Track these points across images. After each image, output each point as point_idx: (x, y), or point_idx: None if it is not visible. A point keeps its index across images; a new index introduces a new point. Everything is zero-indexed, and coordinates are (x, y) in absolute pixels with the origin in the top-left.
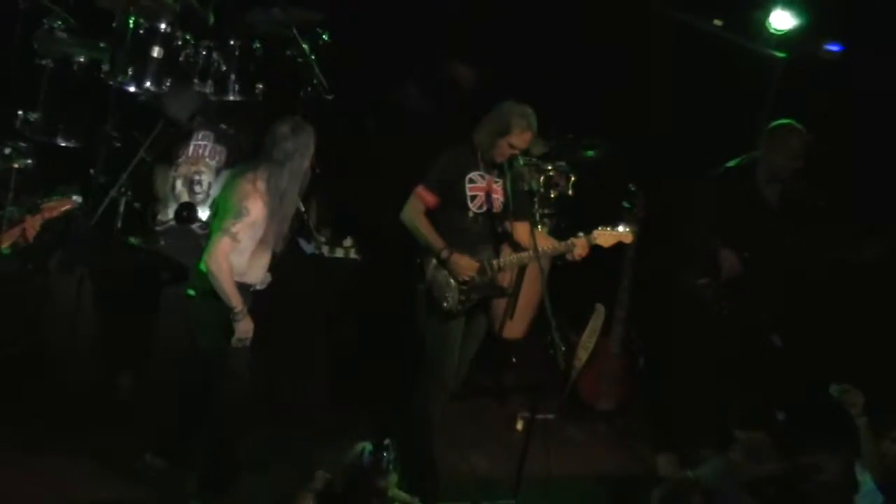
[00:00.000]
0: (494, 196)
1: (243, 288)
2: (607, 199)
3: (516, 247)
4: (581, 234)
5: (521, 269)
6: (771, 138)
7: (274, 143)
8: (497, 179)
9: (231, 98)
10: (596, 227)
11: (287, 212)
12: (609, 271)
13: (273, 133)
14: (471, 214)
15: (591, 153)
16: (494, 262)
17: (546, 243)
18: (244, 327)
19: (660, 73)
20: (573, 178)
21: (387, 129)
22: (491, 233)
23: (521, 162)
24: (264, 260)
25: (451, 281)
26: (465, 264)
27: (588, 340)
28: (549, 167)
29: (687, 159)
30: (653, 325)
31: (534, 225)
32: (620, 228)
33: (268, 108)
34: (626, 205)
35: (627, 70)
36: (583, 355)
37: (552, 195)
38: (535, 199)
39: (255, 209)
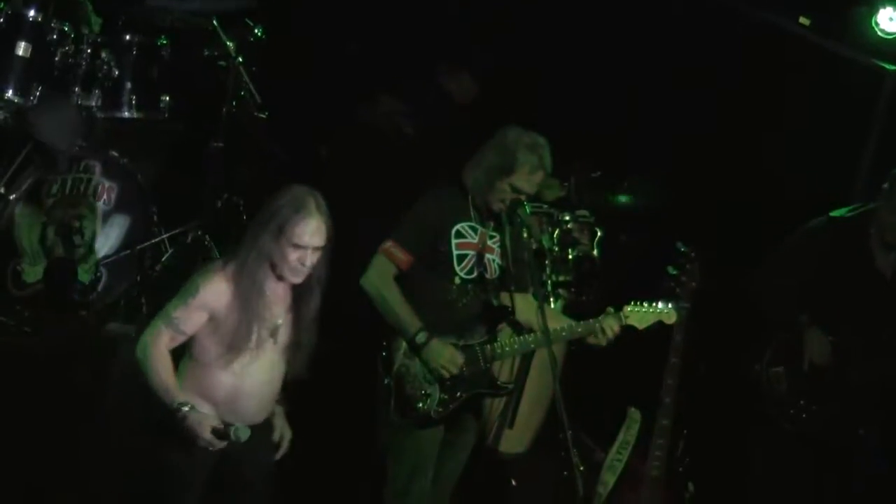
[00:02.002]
0: (489, 257)
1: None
2: (647, 262)
3: (519, 327)
4: (609, 310)
5: (526, 359)
6: (891, 190)
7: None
8: (493, 234)
9: (126, 115)
10: (629, 303)
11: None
12: (648, 363)
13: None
14: (457, 281)
15: (623, 198)
16: (489, 347)
17: (560, 323)
18: (193, 422)
19: (728, 86)
20: (599, 234)
21: (346, 161)
22: (484, 307)
23: (528, 210)
24: (252, 380)
25: (429, 373)
26: (448, 357)
27: (617, 458)
28: (567, 218)
29: (761, 208)
30: (708, 437)
31: (543, 298)
32: (661, 305)
33: (176, 129)
34: (670, 271)
35: (680, 83)
36: (609, 479)
37: (570, 256)
38: (547, 262)
39: (210, 292)
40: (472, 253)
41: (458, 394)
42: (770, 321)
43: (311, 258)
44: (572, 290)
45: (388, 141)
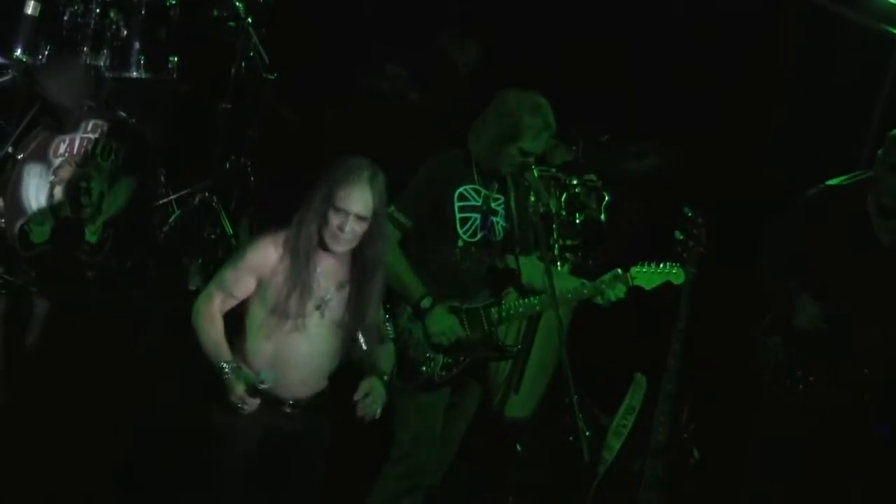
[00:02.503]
0: (493, 219)
1: (266, 399)
2: (654, 226)
3: (524, 290)
4: (617, 271)
5: (532, 323)
6: (886, 155)
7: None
8: (498, 196)
9: (134, 75)
10: (636, 264)
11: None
12: (654, 326)
13: None
14: (461, 244)
15: (639, 164)
16: (493, 310)
17: (567, 285)
18: (230, 380)
19: (735, 52)
20: (606, 198)
21: (353, 124)
22: (489, 270)
23: (535, 174)
24: (293, 351)
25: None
26: (448, 325)
27: (622, 424)
28: (574, 182)
29: (767, 175)
30: (714, 404)
31: (550, 261)
32: (668, 265)
33: (184, 89)
34: (678, 235)
35: (682, 47)
36: (615, 444)
37: (577, 220)
38: (554, 225)
39: (258, 255)
40: (475, 216)
41: (462, 357)
42: (767, 290)
43: (353, 227)
44: (579, 254)
45: (392, 106)
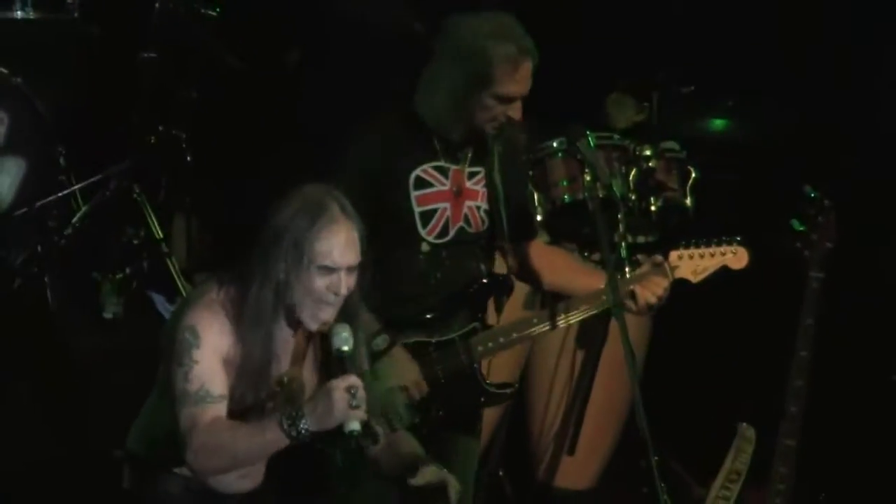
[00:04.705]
0: (471, 204)
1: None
2: (764, 213)
3: (525, 298)
4: (657, 257)
5: (590, 354)
6: None
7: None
8: (475, 169)
9: (18, 15)
10: (676, 246)
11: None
12: (766, 357)
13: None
14: (425, 248)
15: (719, 123)
16: (474, 339)
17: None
18: (324, 405)
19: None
20: (693, 175)
21: (324, 72)
22: (469, 279)
23: (592, 143)
24: None
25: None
26: (411, 379)
27: (724, 495)
28: (648, 153)
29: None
30: (849, 460)
31: (615, 266)
32: (722, 245)
33: (91, 34)
34: (796, 226)
35: None
36: None
37: (653, 207)
38: (620, 216)
39: (213, 335)
40: (444, 206)
41: (434, 410)
42: None
43: (346, 282)
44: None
45: (387, 44)
